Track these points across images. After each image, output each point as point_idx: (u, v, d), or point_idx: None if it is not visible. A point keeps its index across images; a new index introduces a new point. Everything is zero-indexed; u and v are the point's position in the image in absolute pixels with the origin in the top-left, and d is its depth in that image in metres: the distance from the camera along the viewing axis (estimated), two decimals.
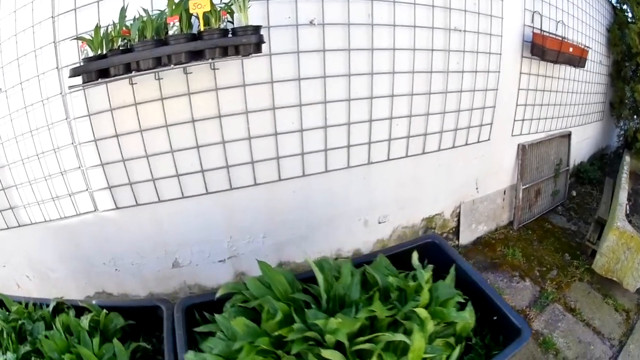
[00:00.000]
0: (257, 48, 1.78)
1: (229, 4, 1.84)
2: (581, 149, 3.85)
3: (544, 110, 3.29)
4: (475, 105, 2.78)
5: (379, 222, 2.68)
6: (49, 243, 2.50)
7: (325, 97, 2.26)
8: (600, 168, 4.29)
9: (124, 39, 1.87)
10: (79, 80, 1.87)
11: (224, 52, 1.77)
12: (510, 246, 3.15)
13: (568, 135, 3.53)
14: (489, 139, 2.92)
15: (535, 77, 3.18)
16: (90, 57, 1.89)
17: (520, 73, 3.06)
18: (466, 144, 2.80)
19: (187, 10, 1.76)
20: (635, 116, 4.39)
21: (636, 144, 4.09)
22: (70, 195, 2.33)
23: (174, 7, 1.78)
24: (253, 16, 1.85)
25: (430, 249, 2.00)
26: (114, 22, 1.91)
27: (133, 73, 1.81)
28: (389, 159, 2.52)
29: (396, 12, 2.36)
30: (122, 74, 1.79)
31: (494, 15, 2.83)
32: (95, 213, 2.34)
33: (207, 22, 1.84)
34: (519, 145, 3.14)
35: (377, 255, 1.89)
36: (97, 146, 2.21)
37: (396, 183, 2.61)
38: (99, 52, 1.92)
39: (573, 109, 3.64)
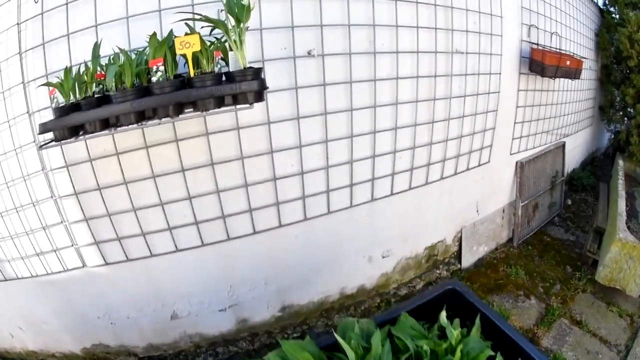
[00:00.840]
0: (259, 96, 1.49)
1: (222, 40, 1.55)
2: (574, 156, 3.72)
3: (540, 124, 3.12)
4: (476, 128, 2.57)
5: (383, 257, 2.46)
6: (39, 297, 2.20)
7: (327, 135, 2.00)
8: (592, 173, 4.18)
9: (100, 83, 1.56)
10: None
11: (220, 102, 1.47)
12: (512, 265, 2.99)
13: (562, 146, 3.38)
14: (488, 161, 2.72)
15: (532, 92, 2.98)
16: (62, 107, 1.57)
17: (518, 90, 2.85)
18: (467, 169, 2.60)
19: (172, 50, 1.45)
20: (626, 119, 4.27)
21: (629, 147, 3.97)
22: (55, 251, 2.03)
23: (156, 46, 1.46)
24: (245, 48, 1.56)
25: (450, 296, 1.82)
26: (86, 63, 1.60)
27: (112, 130, 1.51)
28: (392, 194, 2.29)
29: (399, 37, 2.10)
30: (99, 130, 1.49)
31: (493, 34, 2.60)
32: (84, 269, 2.05)
33: (196, 63, 1.55)
34: (517, 162, 2.97)
35: (399, 312, 1.68)
36: (78, 200, 1.90)
37: (399, 216, 2.40)
38: (72, 99, 1.61)
39: (567, 118, 3.49)
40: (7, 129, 1.83)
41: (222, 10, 1.79)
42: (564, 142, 3.42)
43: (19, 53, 1.67)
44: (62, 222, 1.95)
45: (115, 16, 1.67)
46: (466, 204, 2.73)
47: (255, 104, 1.52)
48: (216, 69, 1.49)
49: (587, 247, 3.15)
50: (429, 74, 2.25)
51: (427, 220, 2.54)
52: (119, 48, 1.49)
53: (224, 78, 1.51)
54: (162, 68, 1.42)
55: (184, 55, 1.44)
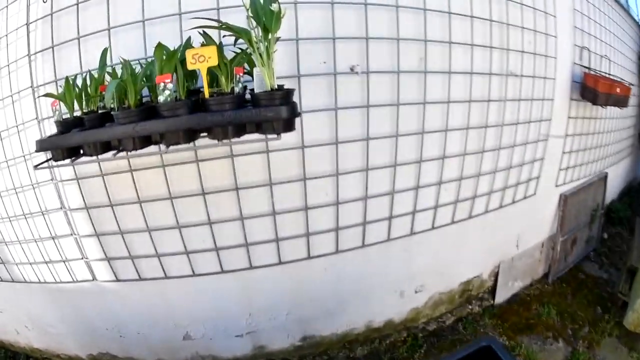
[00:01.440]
0: (289, 125, 1.12)
1: (247, 52, 1.19)
2: (613, 187, 3.26)
3: (586, 154, 2.68)
4: (526, 159, 2.16)
5: (416, 292, 2.08)
6: (47, 303, 1.93)
7: (367, 162, 1.63)
8: (629, 204, 3.68)
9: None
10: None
11: (240, 130, 1.12)
12: (545, 303, 2.56)
13: (605, 177, 2.93)
14: (534, 194, 2.31)
15: (581, 120, 2.55)
16: (64, 121, 1.25)
17: (568, 118, 2.43)
18: (513, 202, 2.19)
19: (183, 64, 1.11)
20: None
21: None
22: (64, 262, 1.74)
23: (163, 59, 1.12)
24: (277, 61, 1.20)
25: (484, 352, 1.47)
26: (90, 72, 1.27)
27: (113, 155, 1.18)
28: (433, 228, 1.91)
29: (452, 55, 1.72)
30: (99, 153, 1.16)
31: (548, 55, 2.19)
32: (93, 282, 1.76)
33: (213, 80, 1.20)
34: (561, 195, 2.54)
35: None
36: (89, 214, 1.60)
37: (438, 251, 2.01)
38: (81, 110, 1.29)
39: (611, 148, 3.03)
40: (16, 133, 1.53)
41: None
42: (607, 173, 2.96)
43: (27, 55, 1.37)
44: (72, 234, 1.66)
45: (130, 19, 1.36)
46: (507, 238, 2.32)
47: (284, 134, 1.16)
48: (237, 89, 1.14)
49: (619, 288, 2.71)
50: (482, 97, 1.86)
51: (466, 255, 2.14)
52: (123, 59, 1.15)
53: (247, 95, 1.17)
54: (170, 86, 1.08)
55: (199, 71, 1.11)
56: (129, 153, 1.15)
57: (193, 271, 1.69)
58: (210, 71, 1.13)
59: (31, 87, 1.50)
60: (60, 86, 1.36)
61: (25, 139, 1.59)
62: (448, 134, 1.77)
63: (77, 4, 1.41)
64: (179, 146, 1.13)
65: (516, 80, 2.01)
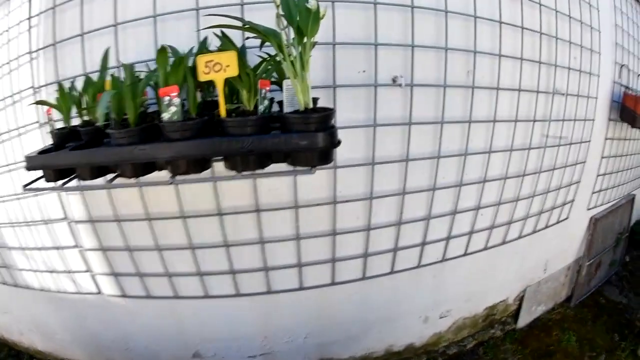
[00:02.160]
0: (325, 156, 0.83)
1: (274, 59, 0.90)
2: (637, 209, 2.92)
3: (618, 176, 2.34)
4: (563, 182, 1.84)
5: (440, 317, 1.79)
6: (50, 310, 1.67)
7: (405, 185, 1.33)
8: None
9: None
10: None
11: (264, 160, 0.84)
12: (565, 329, 2.25)
13: (632, 200, 2.59)
14: (567, 218, 1.99)
15: (617, 142, 2.21)
16: (59, 131, 0.99)
17: (605, 139, 2.09)
18: (546, 227, 1.88)
19: (194, 72, 0.82)
20: None
21: None
22: (68, 272, 1.48)
23: (168, 68, 0.83)
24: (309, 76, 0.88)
25: None
26: (88, 77, 1.00)
27: (108, 182, 0.90)
28: (465, 254, 1.60)
29: (501, 69, 1.41)
30: (94, 177, 0.89)
31: (592, 73, 1.86)
32: (99, 295, 1.49)
33: (232, 93, 0.90)
34: (591, 218, 2.21)
35: None
36: (94, 227, 1.34)
37: (467, 277, 1.71)
38: (81, 118, 1.03)
39: (638, 169, 2.68)
40: (17, 136, 1.27)
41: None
42: (634, 195, 2.62)
43: (29, 52, 1.10)
44: (75, 246, 1.40)
45: (140, 14, 1.08)
46: (537, 263, 2.01)
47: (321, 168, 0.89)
48: (262, 107, 0.83)
49: (638, 314, 2.38)
50: (528, 117, 1.55)
51: (495, 281, 1.84)
52: (123, 63, 0.87)
53: (274, 106, 0.88)
54: (177, 101, 0.79)
55: (213, 82, 0.82)
56: (124, 182, 0.88)
57: (206, 292, 1.42)
58: (229, 82, 0.85)
59: (32, 87, 1.23)
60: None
61: (27, 143, 1.33)
62: (491, 156, 1.47)
63: None
64: (188, 177, 0.84)
65: (561, 98, 1.69)
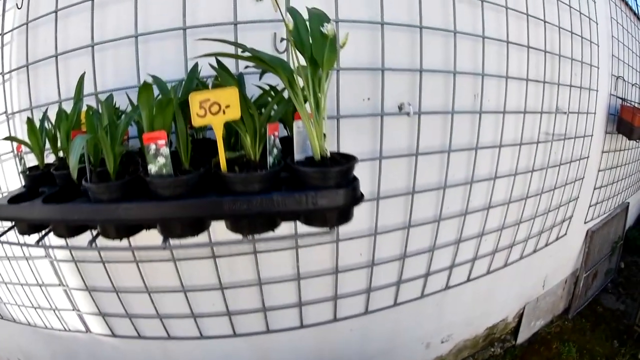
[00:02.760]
0: (345, 215, 0.73)
1: (282, 97, 0.79)
2: (631, 215, 2.96)
3: (614, 187, 2.36)
4: (562, 200, 1.83)
5: (442, 342, 1.76)
6: (39, 344, 1.56)
7: (410, 218, 1.27)
8: None
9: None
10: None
11: (273, 221, 0.75)
12: (565, 341, 2.27)
13: (626, 207, 2.63)
14: (565, 234, 1.99)
15: (612, 154, 2.22)
16: (31, 173, 0.89)
17: (602, 152, 2.10)
18: (546, 245, 1.87)
19: (185, 111, 0.70)
20: None
21: None
22: (54, 310, 1.37)
23: (153, 110, 0.70)
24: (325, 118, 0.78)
25: None
26: (59, 111, 0.89)
27: (88, 244, 0.80)
28: (468, 280, 1.57)
29: (508, 91, 1.36)
30: (72, 235, 0.79)
31: (591, 88, 1.84)
32: (87, 334, 1.39)
33: (231, 137, 0.79)
34: (587, 231, 2.23)
35: None
36: (78, 267, 1.23)
37: (470, 303, 1.68)
38: (56, 156, 0.92)
39: (634, 177, 2.71)
40: None
41: (283, 41, 1.07)
42: (628, 203, 2.66)
43: (1, 74, 0.98)
44: (60, 285, 1.29)
45: (120, 32, 0.98)
46: (536, 280, 2.00)
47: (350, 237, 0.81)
48: (271, 158, 0.72)
49: (636, 320, 2.43)
50: (531, 139, 1.51)
51: (496, 303, 1.82)
52: (98, 99, 0.76)
53: (280, 169, 0.78)
54: (165, 151, 0.68)
55: (209, 128, 0.74)
56: (107, 245, 0.78)
57: (201, 334, 1.33)
58: (229, 125, 0.73)
59: (5, 113, 1.12)
60: (38, 114, 0.99)
61: (2, 175, 1.21)
62: (496, 182, 1.42)
63: (56, 11, 1.02)
64: (184, 241, 0.75)
65: (562, 117, 1.66)
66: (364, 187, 1.18)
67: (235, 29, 1.02)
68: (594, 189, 2.11)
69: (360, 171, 1.19)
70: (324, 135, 0.71)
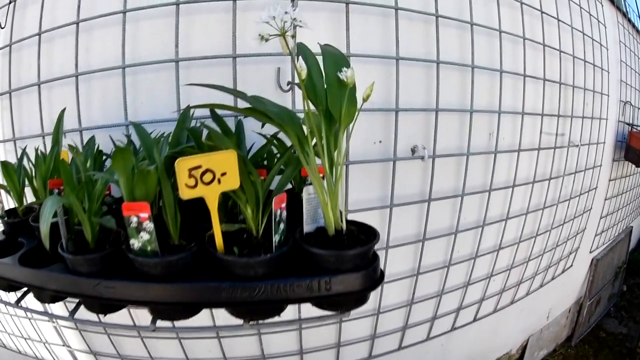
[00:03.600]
0: (363, 298, 0.64)
1: (291, 156, 0.67)
2: (634, 237, 2.95)
3: (619, 214, 2.35)
4: (571, 233, 1.80)
5: None
6: None
7: (419, 265, 1.22)
8: None
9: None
10: None
11: (277, 310, 0.64)
12: None
13: (630, 232, 2.62)
14: (571, 266, 1.96)
15: (618, 181, 2.21)
16: (9, 220, 0.80)
17: (609, 180, 2.08)
18: (552, 279, 1.84)
19: (174, 181, 0.55)
20: None
21: None
22: (44, 343, 1.29)
23: (133, 178, 0.57)
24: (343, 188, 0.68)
25: None
26: (37, 155, 0.81)
27: (69, 316, 0.71)
28: (474, 320, 1.53)
29: (523, 128, 1.31)
30: (51, 302, 0.71)
31: (602, 118, 1.81)
32: None
33: (227, 202, 0.69)
34: (592, 260, 2.21)
35: None
36: (66, 306, 1.15)
37: (475, 341, 1.63)
38: (38, 201, 0.83)
39: (636, 202, 2.70)
40: None
41: (290, 85, 0.99)
42: (632, 228, 2.65)
43: None
44: (49, 320, 1.20)
45: (107, 62, 0.90)
46: (541, 313, 1.98)
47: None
48: (277, 236, 0.60)
49: (638, 342, 2.44)
50: (544, 176, 1.47)
51: (500, 338, 1.79)
52: (73, 147, 0.64)
53: (285, 245, 0.64)
54: (149, 226, 0.56)
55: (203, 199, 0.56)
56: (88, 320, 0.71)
57: None
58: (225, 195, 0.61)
59: None
60: (20, 148, 0.91)
61: None
62: (507, 223, 1.38)
63: (40, 34, 0.94)
64: (179, 324, 0.67)
65: (574, 150, 1.63)
66: None
67: (234, 63, 0.93)
68: (600, 217, 2.09)
69: (369, 219, 1.13)
70: (341, 212, 0.63)
